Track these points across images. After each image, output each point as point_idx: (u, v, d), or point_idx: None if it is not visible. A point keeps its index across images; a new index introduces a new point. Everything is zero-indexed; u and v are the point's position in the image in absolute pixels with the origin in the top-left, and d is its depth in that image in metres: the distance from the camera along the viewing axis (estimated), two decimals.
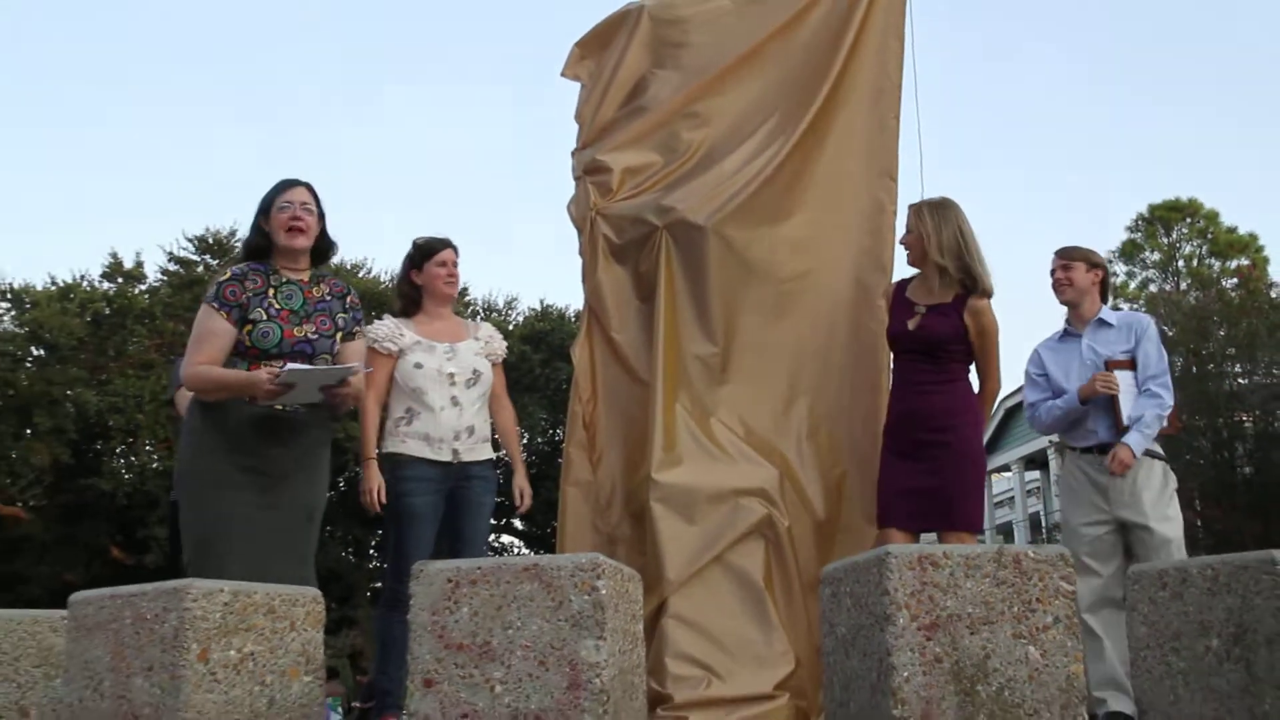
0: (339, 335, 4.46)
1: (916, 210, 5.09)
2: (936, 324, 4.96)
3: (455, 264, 5.30)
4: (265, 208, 4.41)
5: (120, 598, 3.08)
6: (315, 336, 4.36)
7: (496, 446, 5.42)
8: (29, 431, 19.44)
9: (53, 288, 20.91)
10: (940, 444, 4.84)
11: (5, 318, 20.64)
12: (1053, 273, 5.49)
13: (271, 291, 4.33)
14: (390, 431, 5.02)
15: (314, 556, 4.37)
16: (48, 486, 19.40)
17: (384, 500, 4.89)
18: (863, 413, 5.24)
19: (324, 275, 4.53)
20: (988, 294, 4.97)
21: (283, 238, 4.38)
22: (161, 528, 18.67)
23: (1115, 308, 5.58)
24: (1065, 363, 5.41)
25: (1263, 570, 3.05)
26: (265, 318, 4.27)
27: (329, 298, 4.47)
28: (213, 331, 4.23)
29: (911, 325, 5.00)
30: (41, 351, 20.15)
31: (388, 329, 5.10)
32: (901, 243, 5.19)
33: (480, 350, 5.20)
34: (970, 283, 4.95)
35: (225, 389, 4.22)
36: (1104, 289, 5.53)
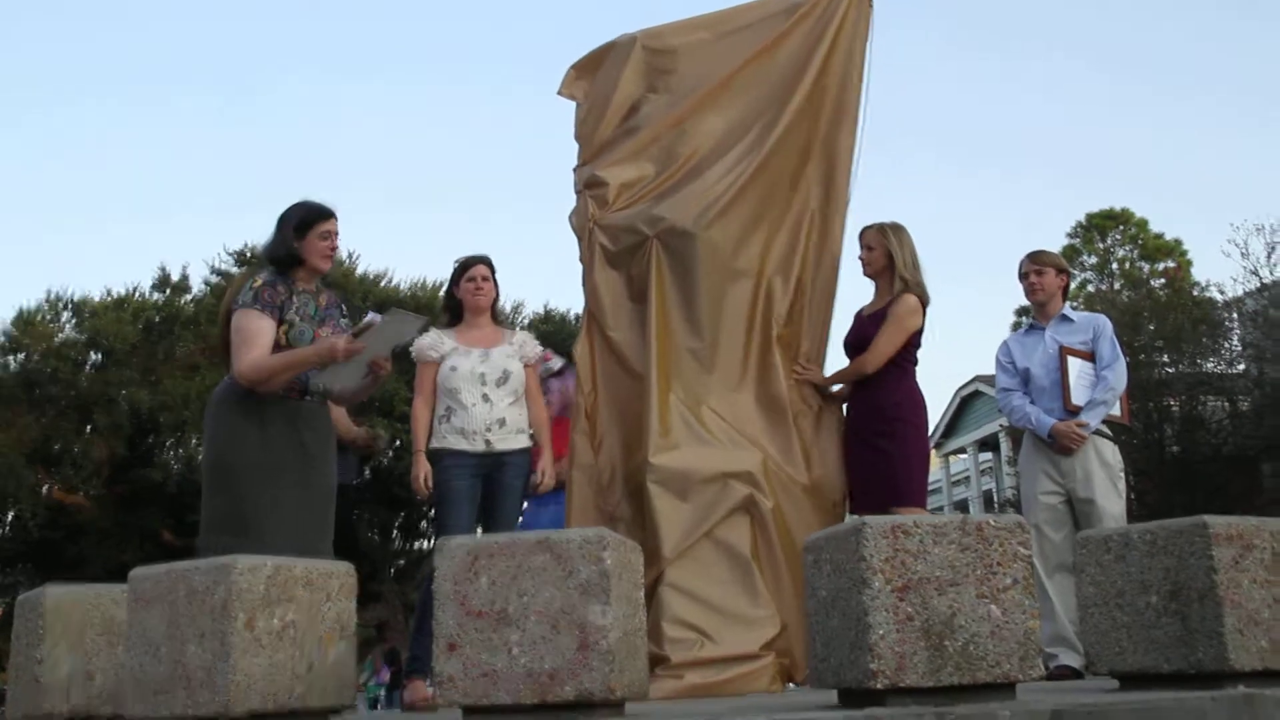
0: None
1: (879, 230, 5.28)
2: (873, 327, 5.17)
3: (485, 278, 5.36)
4: (302, 228, 4.35)
5: (175, 573, 3.05)
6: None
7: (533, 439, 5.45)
8: (89, 428, 19.41)
9: (109, 298, 20.85)
10: (880, 433, 5.02)
11: (68, 326, 20.61)
12: (1025, 275, 5.51)
13: (294, 299, 4.31)
14: (434, 429, 5.13)
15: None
16: (106, 478, 19.36)
17: (429, 486, 5.01)
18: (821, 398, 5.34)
19: (323, 288, 4.52)
20: (925, 301, 5.19)
21: (320, 263, 4.40)
22: None
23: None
24: (1030, 351, 5.45)
25: (1195, 534, 3.07)
26: (299, 319, 4.26)
27: (330, 306, 4.47)
28: (261, 330, 4.19)
29: (850, 335, 5.29)
30: (99, 356, 20.11)
31: (430, 339, 5.23)
32: (861, 258, 5.33)
33: (513, 353, 5.26)
34: (919, 294, 5.18)
35: (296, 365, 4.20)
36: (1066, 290, 5.59)
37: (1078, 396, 5.18)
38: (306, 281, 4.40)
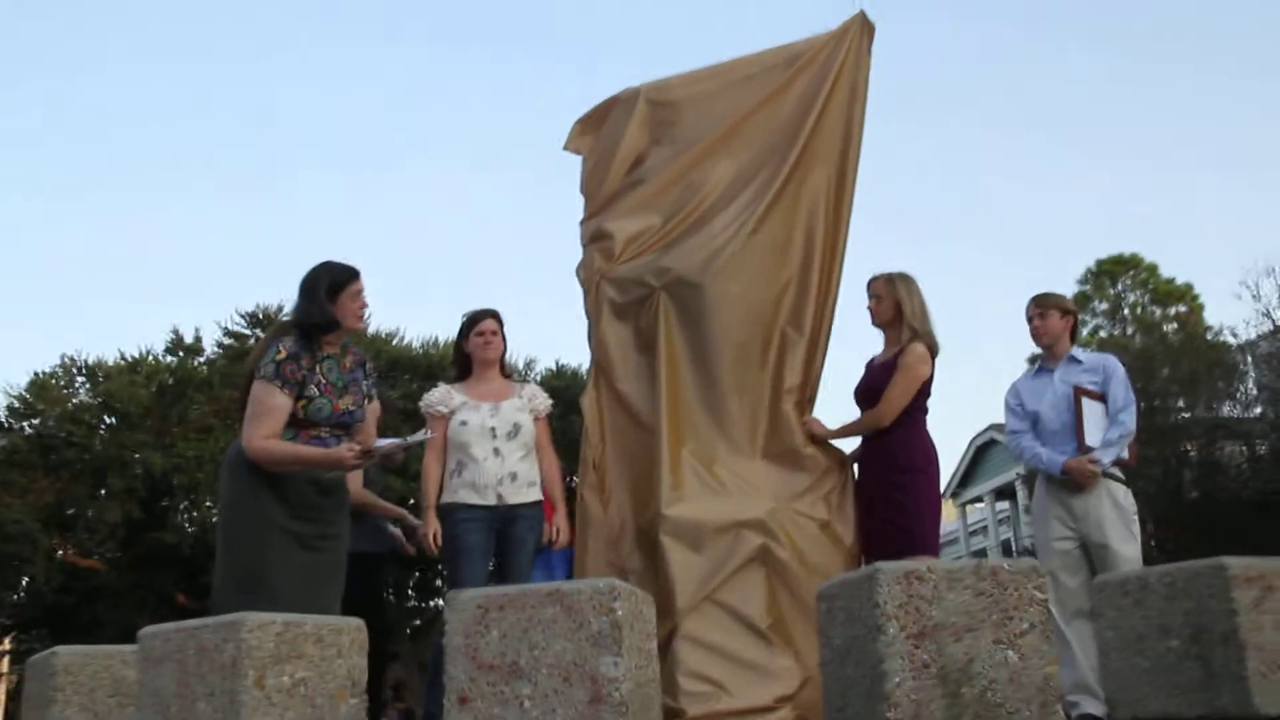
0: (365, 401, 4.46)
1: (887, 280, 5.26)
2: (884, 376, 5.11)
3: (494, 331, 5.33)
4: (334, 290, 4.32)
5: (184, 631, 3.04)
6: (354, 408, 4.36)
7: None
8: (103, 491, 19.42)
9: (122, 361, 20.96)
10: (890, 483, 4.98)
11: (82, 390, 20.71)
12: (1030, 319, 5.49)
13: (318, 368, 4.29)
14: (445, 484, 5.10)
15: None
16: (120, 540, 19.35)
17: (439, 543, 4.98)
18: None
19: (347, 345, 4.51)
20: (934, 350, 5.15)
21: (355, 323, 4.40)
22: None
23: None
24: (1039, 393, 5.40)
25: (1214, 576, 3.03)
26: (318, 393, 4.24)
27: (354, 368, 4.45)
28: (276, 407, 4.16)
29: (863, 383, 5.23)
30: (113, 419, 20.16)
31: (440, 395, 5.21)
32: (870, 308, 5.31)
33: (523, 407, 5.22)
34: (928, 342, 5.14)
35: (302, 463, 4.19)
36: (1073, 332, 5.56)
37: (1091, 437, 5.13)
38: (333, 344, 4.38)
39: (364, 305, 4.39)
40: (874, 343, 5.42)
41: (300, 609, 3.52)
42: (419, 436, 4.64)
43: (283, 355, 4.22)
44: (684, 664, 4.70)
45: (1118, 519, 5.07)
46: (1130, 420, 5.22)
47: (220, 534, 4.27)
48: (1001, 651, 2.75)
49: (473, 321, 5.33)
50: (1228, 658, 2.94)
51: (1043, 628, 2.79)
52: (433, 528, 4.99)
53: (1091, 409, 5.20)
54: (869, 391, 5.17)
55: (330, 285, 4.32)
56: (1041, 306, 5.47)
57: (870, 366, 5.30)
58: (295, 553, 4.12)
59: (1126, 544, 5.04)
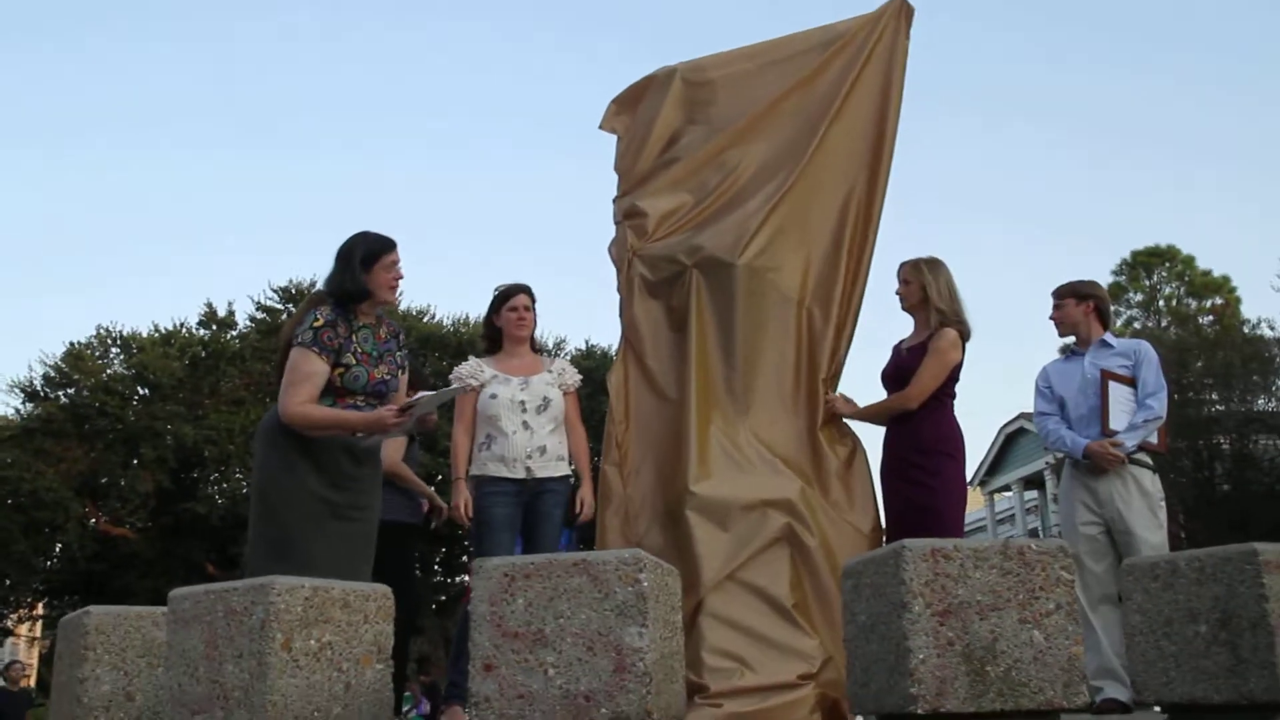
0: (400, 372, 4.48)
1: (914, 265, 5.23)
2: (912, 360, 5.11)
3: (527, 308, 5.33)
4: (369, 260, 4.31)
5: (214, 593, 3.07)
6: (389, 377, 4.37)
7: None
8: (135, 461, 19.66)
9: (156, 334, 21.17)
10: (918, 465, 4.95)
11: (116, 361, 20.93)
12: (1051, 314, 5.49)
13: (354, 336, 4.30)
14: (474, 457, 5.11)
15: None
16: (151, 510, 19.59)
17: (470, 515, 4.99)
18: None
19: (381, 316, 4.52)
20: (965, 335, 5.12)
21: (387, 295, 4.39)
22: None
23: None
24: (1068, 378, 5.36)
25: (1245, 561, 3.00)
26: (355, 361, 4.26)
27: (388, 339, 4.46)
28: (315, 372, 4.17)
29: (890, 366, 5.21)
30: (146, 391, 20.40)
31: (470, 368, 5.20)
32: (898, 293, 5.29)
33: (553, 381, 5.23)
34: (959, 328, 5.12)
35: (342, 426, 4.21)
36: (1102, 316, 5.46)
37: (1116, 421, 5.09)
38: (368, 314, 4.39)
39: (398, 276, 4.38)
40: (902, 327, 5.41)
41: (331, 577, 3.57)
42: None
43: (320, 322, 4.23)
44: (708, 640, 4.70)
45: (1143, 505, 5.02)
46: (1159, 405, 5.16)
47: (254, 502, 4.30)
48: (1027, 631, 2.75)
49: (506, 296, 5.32)
50: (1256, 643, 2.92)
51: (1069, 608, 2.78)
52: (464, 498, 5.00)
53: (1118, 393, 5.14)
54: (898, 374, 5.14)
55: (365, 255, 4.32)
56: (1057, 297, 5.46)
57: (898, 350, 5.27)
58: (328, 521, 4.14)
59: (1151, 531, 4.99)
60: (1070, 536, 5.13)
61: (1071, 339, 5.53)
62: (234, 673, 2.95)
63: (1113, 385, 5.15)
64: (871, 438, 5.48)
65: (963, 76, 68.39)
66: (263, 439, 4.30)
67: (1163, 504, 5.14)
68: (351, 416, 4.22)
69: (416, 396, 4.29)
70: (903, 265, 5.28)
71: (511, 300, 5.30)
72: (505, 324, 5.29)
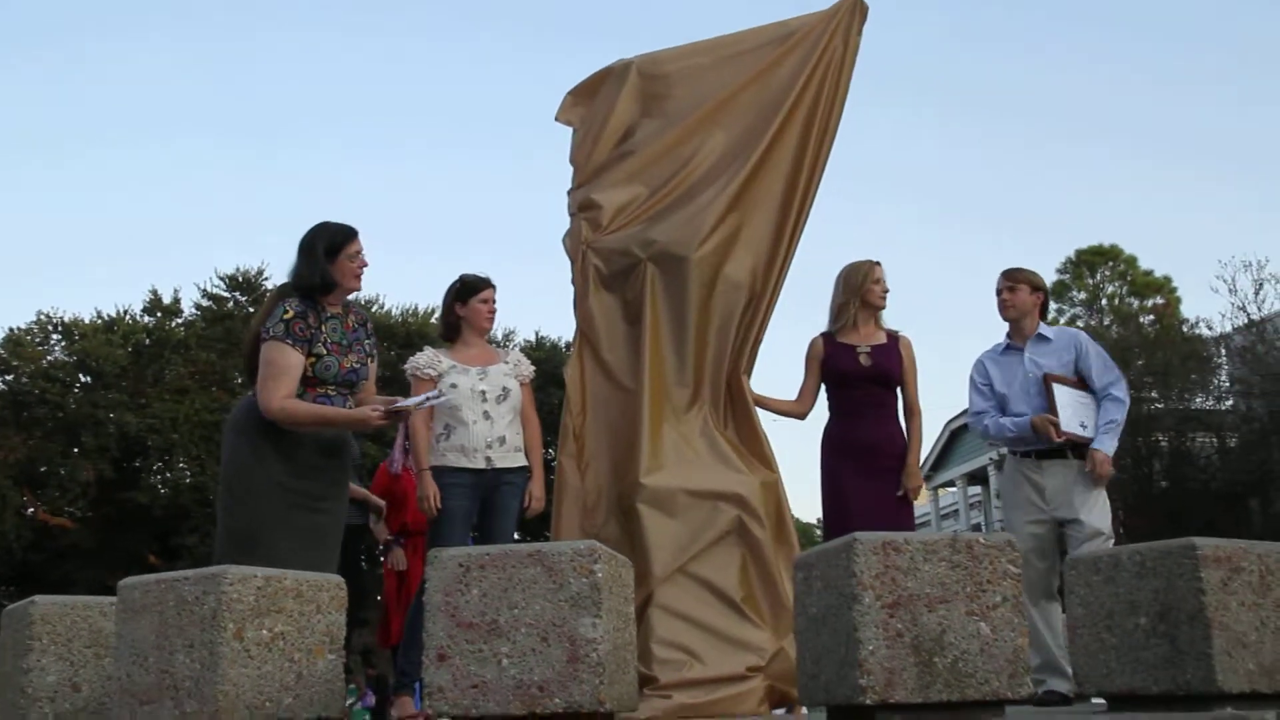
0: (369, 360, 4.48)
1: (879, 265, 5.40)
2: (887, 358, 5.26)
3: (494, 300, 5.32)
4: (332, 251, 4.32)
5: (164, 582, 3.06)
6: (359, 365, 4.38)
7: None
8: (76, 450, 19.34)
9: (99, 321, 20.84)
10: (896, 468, 5.18)
11: (56, 348, 20.58)
12: (999, 292, 5.40)
13: (323, 326, 4.30)
14: (432, 447, 5.07)
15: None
16: (92, 499, 19.29)
17: (439, 505, 4.94)
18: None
19: (349, 305, 4.52)
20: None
21: (353, 283, 4.39)
22: (193, 537, 18.56)
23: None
24: (1008, 374, 5.33)
25: (1184, 555, 3.08)
26: (326, 351, 4.25)
27: (356, 327, 4.46)
28: (291, 365, 4.17)
29: (865, 362, 5.25)
30: (88, 378, 20.08)
31: (427, 358, 5.18)
32: (881, 294, 5.40)
33: (510, 371, 5.22)
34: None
35: (326, 423, 4.22)
36: (1044, 309, 5.47)
37: (1068, 424, 5.10)
38: (335, 304, 4.39)
39: (362, 264, 4.38)
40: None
41: (298, 568, 3.58)
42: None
43: (290, 314, 4.23)
44: (657, 632, 4.75)
45: (1086, 491, 5.06)
46: (1123, 393, 5.20)
47: (221, 493, 4.29)
48: (974, 623, 2.81)
49: (476, 288, 5.29)
50: (1194, 636, 3.00)
51: (1015, 601, 2.84)
52: (432, 490, 4.96)
53: (1065, 396, 5.14)
54: (878, 375, 5.25)
55: (329, 246, 4.33)
56: (1012, 280, 5.38)
57: (849, 349, 5.28)
58: (296, 513, 4.13)
59: (1094, 514, 5.03)
60: (1014, 533, 5.17)
61: (1006, 330, 5.45)
62: (184, 662, 2.94)
63: (1057, 388, 5.14)
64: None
65: (909, 69, 68.94)
66: (232, 431, 4.29)
67: (1104, 491, 5.16)
68: (336, 413, 4.24)
69: (402, 402, 4.34)
70: (879, 266, 5.39)
71: (483, 292, 5.27)
72: (473, 315, 5.26)
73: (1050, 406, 5.11)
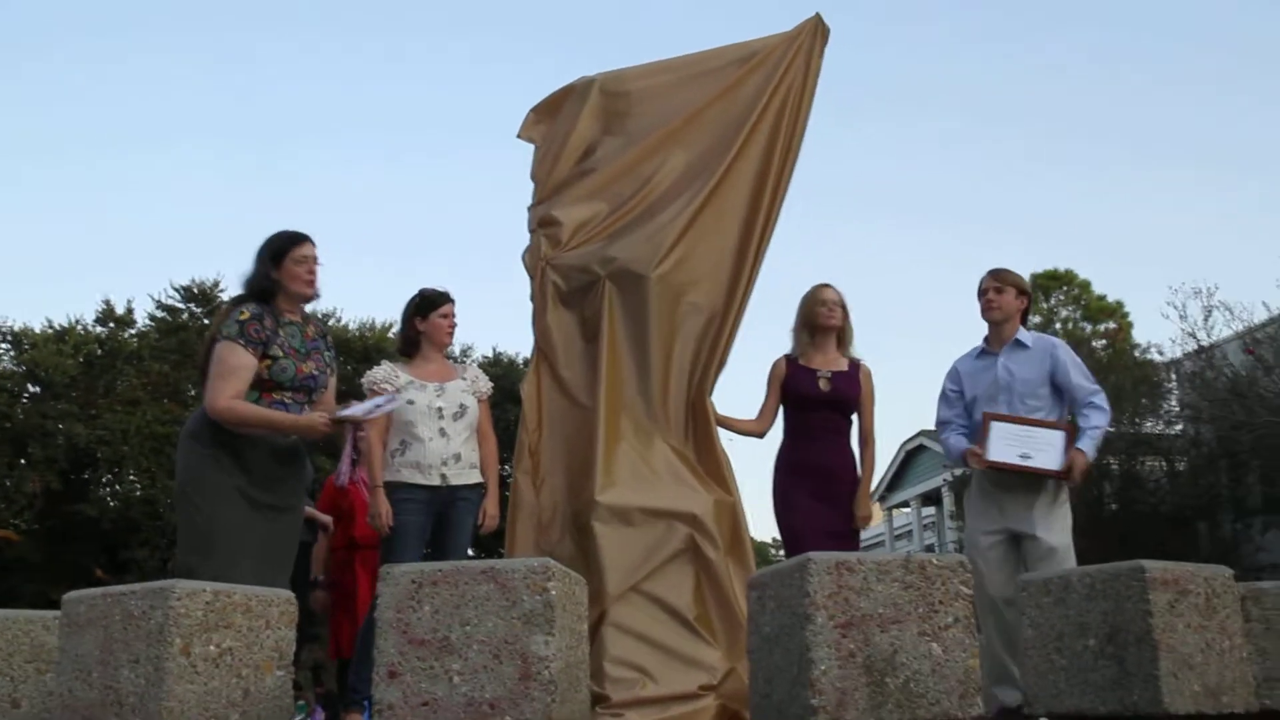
0: (329, 370, 4.44)
1: (838, 291, 5.40)
2: (846, 385, 5.28)
3: (454, 315, 5.28)
4: (277, 256, 4.31)
5: (110, 596, 3.01)
6: (317, 373, 4.34)
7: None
8: (23, 461, 19.04)
9: (49, 330, 20.56)
10: (849, 494, 5.21)
11: (4, 357, 20.27)
12: (984, 292, 5.20)
13: (281, 331, 4.27)
14: (387, 463, 5.02)
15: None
16: (39, 512, 18.99)
17: (392, 523, 4.88)
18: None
19: (310, 317, 4.49)
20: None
21: (301, 289, 4.34)
22: (143, 550, 18.31)
23: None
24: (979, 379, 5.19)
25: (1132, 578, 3.12)
26: (282, 354, 4.22)
27: (316, 338, 4.44)
28: (242, 365, 4.12)
29: (825, 387, 5.26)
30: (37, 388, 19.79)
31: (385, 372, 5.11)
32: (830, 314, 5.36)
33: (468, 388, 5.17)
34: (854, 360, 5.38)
35: (271, 427, 4.17)
36: (1025, 314, 5.29)
37: (997, 454, 4.93)
38: (291, 312, 4.36)
39: (311, 270, 4.34)
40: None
41: (252, 577, 3.52)
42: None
43: (246, 315, 4.19)
44: (610, 650, 4.73)
45: (1045, 508, 4.95)
46: (1104, 402, 5.06)
47: (177, 502, 4.24)
48: (926, 643, 2.82)
49: (436, 303, 5.22)
50: (1141, 657, 3.03)
51: (967, 621, 2.86)
52: (385, 507, 4.89)
53: (1000, 430, 4.97)
54: (835, 401, 5.25)
55: (275, 251, 4.32)
56: (1000, 280, 5.20)
57: (810, 372, 5.28)
58: (255, 520, 4.09)
59: (1051, 533, 4.91)
60: (971, 545, 5.14)
61: (990, 326, 5.26)
62: (129, 678, 2.89)
63: (994, 426, 4.98)
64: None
65: (867, 82, 69.58)
66: (186, 438, 4.24)
67: (1067, 505, 5.04)
68: (282, 418, 4.19)
69: (351, 409, 4.27)
70: (830, 288, 5.41)
71: (443, 307, 5.22)
72: (434, 330, 5.20)
73: (980, 442, 4.99)
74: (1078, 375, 5.10)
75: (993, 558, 5.02)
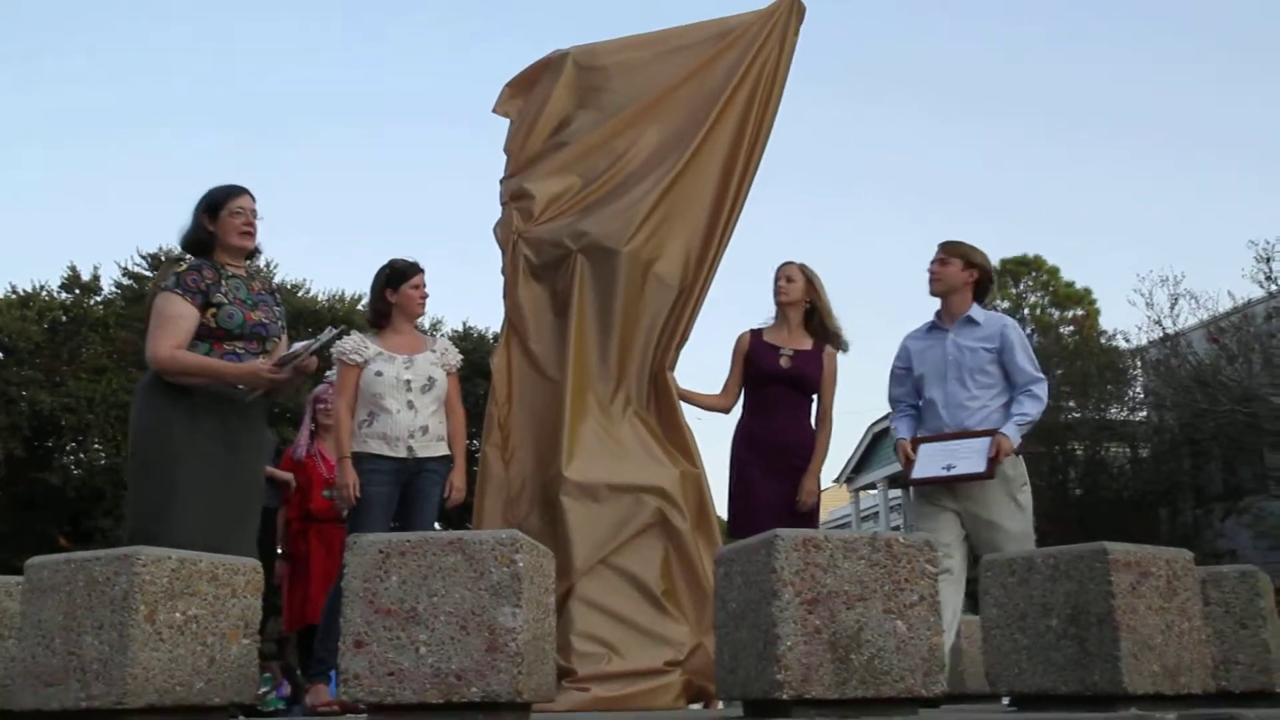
0: (279, 322, 4.41)
1: (802, 268, 5.37)
2: (807, 365, 5.27)
3: (425, 286, 5.25)
4: (213, 208, 4.29)
5: (74, 562, 2.98)
6: (267, 321, 4.30)
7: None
8: None
9: (13, 296, 20.32)
10: (801, 469, 5.19)
11: None
12: (931, 263, 5.02)
13: (224, 282, 4.23)
14: (355, 433, 5.00)
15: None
16: (2, 479, 18.81)
17: (359, 495, 4.86)
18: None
19: (256, 272, 4.46)
20: (843, 350, 5.37)
21: (236, 239, 4.30)
22: (107, 520, 18.18)
23: None
24: (928, 355, 4.97)
25: (1095, 559, 3.15)
26: (227, 301, 4.18)
27: (263, 292, 4.41)
28: (180, 315, 4.09)
29: (785, 364, 5.26)
30: (1, 354, 19.57)
31: (354, 343, 5.08)
32: (782, 290, 5.35)
33: (436, 361, 5.14)
34: (832, 339, 5.34)
35: (215, 376, 4.11)
36: (979, 291, 5.02)
37: (923, 471, 4.78)
38: (235, 266, 4.33)
39: (247, 222, 4.30)
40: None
41: (213, 537, 3.51)
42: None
43: (184, 268, 4.18)
44: (577, 625, 4.75)
45: (1002, 491, 4.72)
46: (1042, 392, 4.84)
47: (130, 463, 4.19)
48: (891, 621, 2.84)
49: (406, 274, 5.19)
50: (1102, 638, 3.07)
51: (931, 600, 2.88)
52: (351, 478, 4.87)
53: (928, 450, 4.83)
54: (793, 379, 5.24)
55: (210, 203, 4.30)
56: (945, 252, 4.99)
57: (773, 349, 5.29)
58: (207, 481, 4.02)
59: (1012, 519, 4.70)
60: (920, 515, 4.91)
61: (937, 308, 5.06)
62: (93, 644, 2.87)
63: (923, 448, 4.84)
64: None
65: (838, 60, 69.54)
66: (139, 397, 4.19)
67: (1026, 487, 4.82)
68: (226, 366, 4.13)
69: (291, 348, 4.20)
70: (788, 264, 5.38)
71: (414, 278, 5.18)
72: (405, 301, 5.17)
73: (907, 464, 4.88)
74: (1023, 358, 4.87)
75: (937, 525, 4.74)
